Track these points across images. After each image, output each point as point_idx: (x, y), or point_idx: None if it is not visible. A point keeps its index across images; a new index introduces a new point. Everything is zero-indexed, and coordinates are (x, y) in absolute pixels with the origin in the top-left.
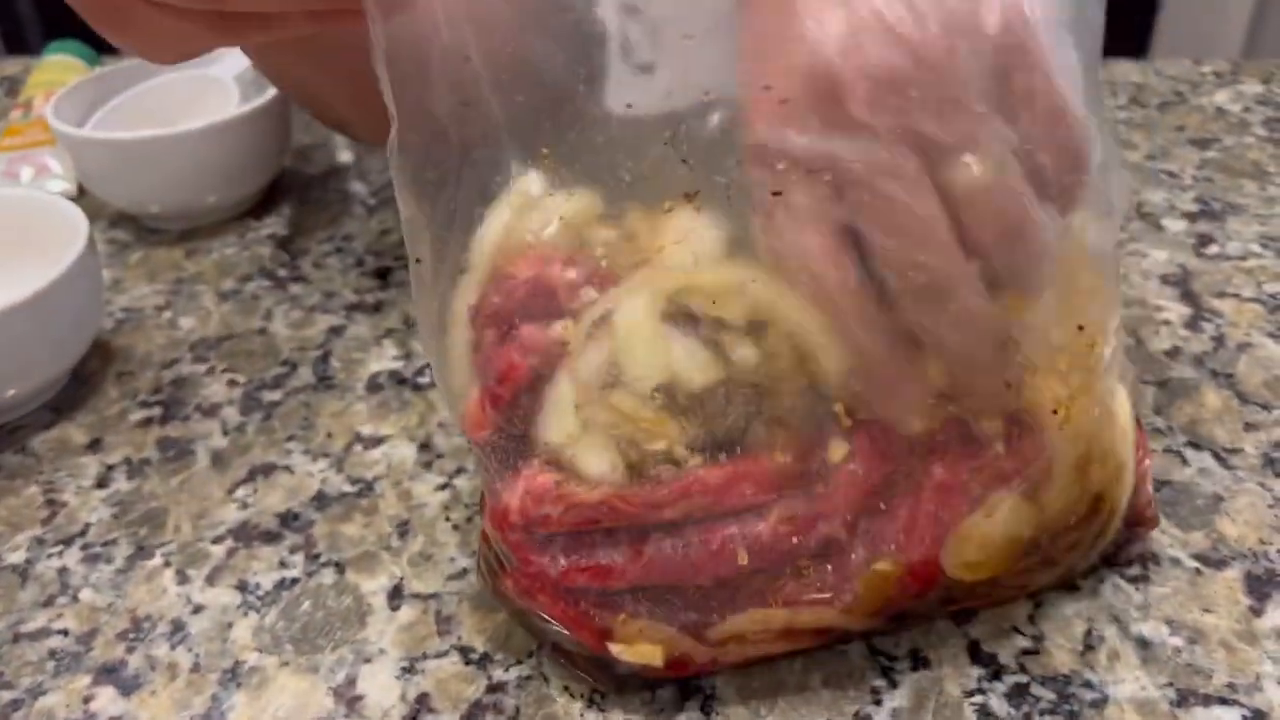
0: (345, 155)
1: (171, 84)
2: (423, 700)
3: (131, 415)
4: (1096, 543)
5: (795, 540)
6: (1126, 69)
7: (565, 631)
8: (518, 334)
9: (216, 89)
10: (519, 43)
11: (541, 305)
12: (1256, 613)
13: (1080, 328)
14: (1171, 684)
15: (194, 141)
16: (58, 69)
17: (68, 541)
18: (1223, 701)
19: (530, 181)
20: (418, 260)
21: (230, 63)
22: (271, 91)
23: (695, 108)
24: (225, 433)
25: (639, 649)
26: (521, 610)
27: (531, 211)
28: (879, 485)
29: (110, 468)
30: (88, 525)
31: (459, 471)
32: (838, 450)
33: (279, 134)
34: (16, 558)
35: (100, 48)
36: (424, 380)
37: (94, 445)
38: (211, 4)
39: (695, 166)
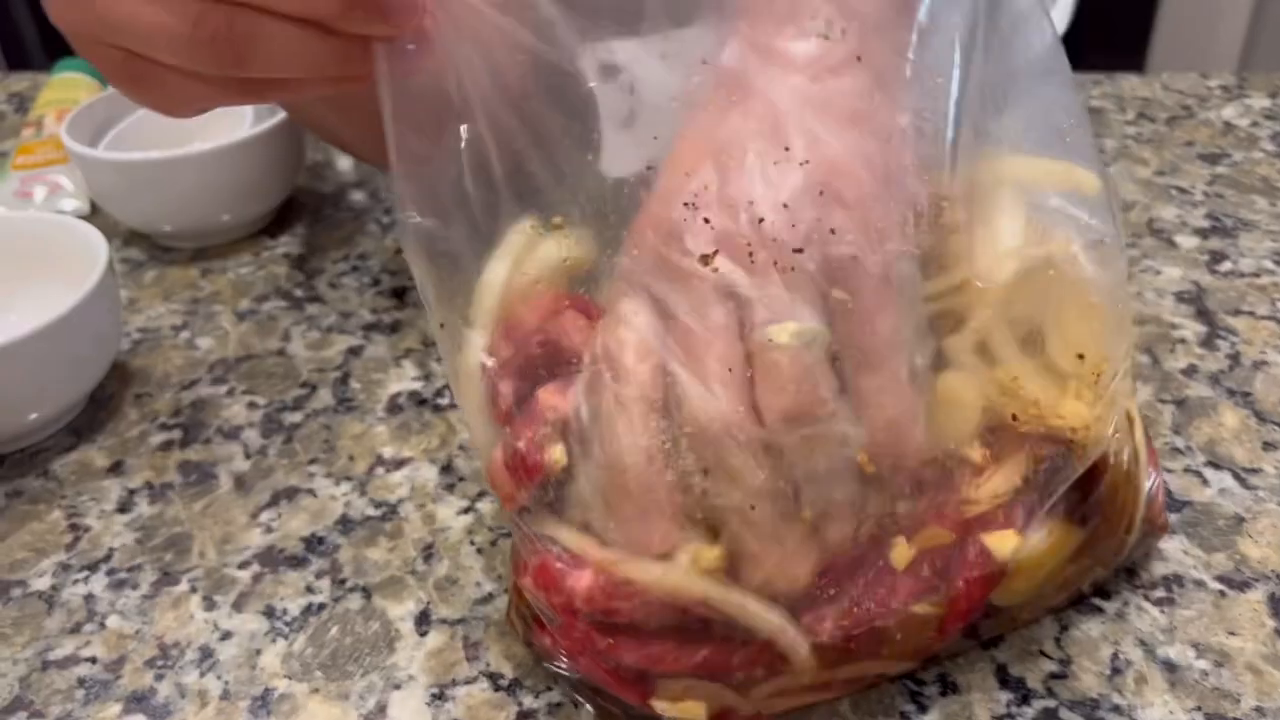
0: (345, 163)
1: None
2: None
3: (152, 438)
4: (1114, 557)
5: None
6: (1134, 84)
7: (604, 688)
8: (537, 401)
9: (228, 109)
10: (522, 105)
11: (558, 360)
12: None
13: (1080, 356)
14: (1199, 708)
15: (209, 161)
16: (67, 87)
17: (93, 567)
18: None
19: (526, 226)
20: (441, 325)
21: None
22: (284, 112)
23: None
24: (247, 456)
25: (683, 706)
26: (556, 662)
27: (531, 255)
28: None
29: (132, 492)
30: (112, 550)
31: (481, 495)
32: (899, 550)
33: (292, 153)
34: (42, 584)
35: None
36: (443, 401)
37: (115, 468)
38: (233, 71)
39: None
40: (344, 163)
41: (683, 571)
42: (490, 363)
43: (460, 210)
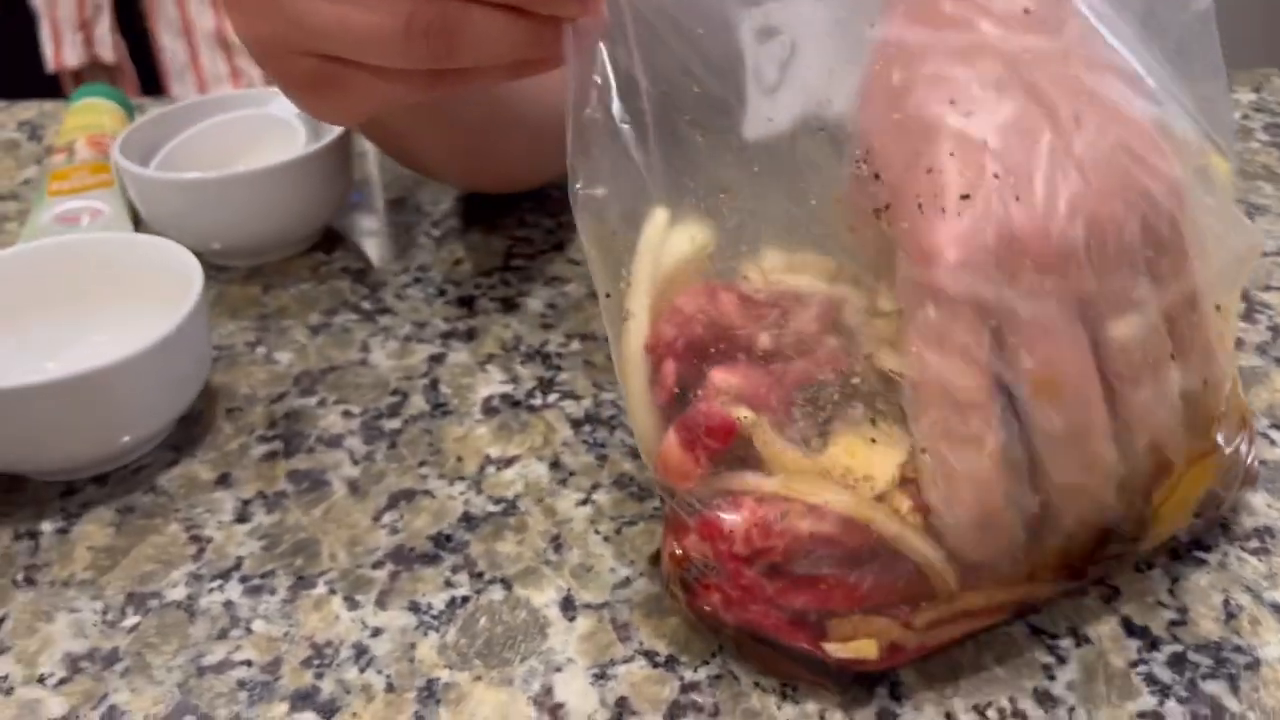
0: (387, 178)
1: (231, 123)
2: (623, 704)
3: (253, 450)
4: (1233, 482)
5: None
6: None
7: (775, 638)
8: (710, 381)
9: (274, 127)
10: (680, 79)
11: (723, 344)
12: None
13: (1205, 381)
14: None
15: (266, 180)
16: (93, 112)
17: (224, 576)
18: None
19: (661, 215)
20: (606, 295)
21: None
22: (334, 131)
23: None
24: (354, 462)
25: (854, 645)
26: (725, 623)
27: (666, 249)
28: None
29: (246, 502)
30: (240, 559)
31: (595, 487)
32: None
33: (344, 171)
34: (177, 594)
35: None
36: (536, 402)
37: (223, 480)
38: (443, 63)
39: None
40: (385, 178)
41: (858, 498)
42: (649, 341)
43: (618, 180)
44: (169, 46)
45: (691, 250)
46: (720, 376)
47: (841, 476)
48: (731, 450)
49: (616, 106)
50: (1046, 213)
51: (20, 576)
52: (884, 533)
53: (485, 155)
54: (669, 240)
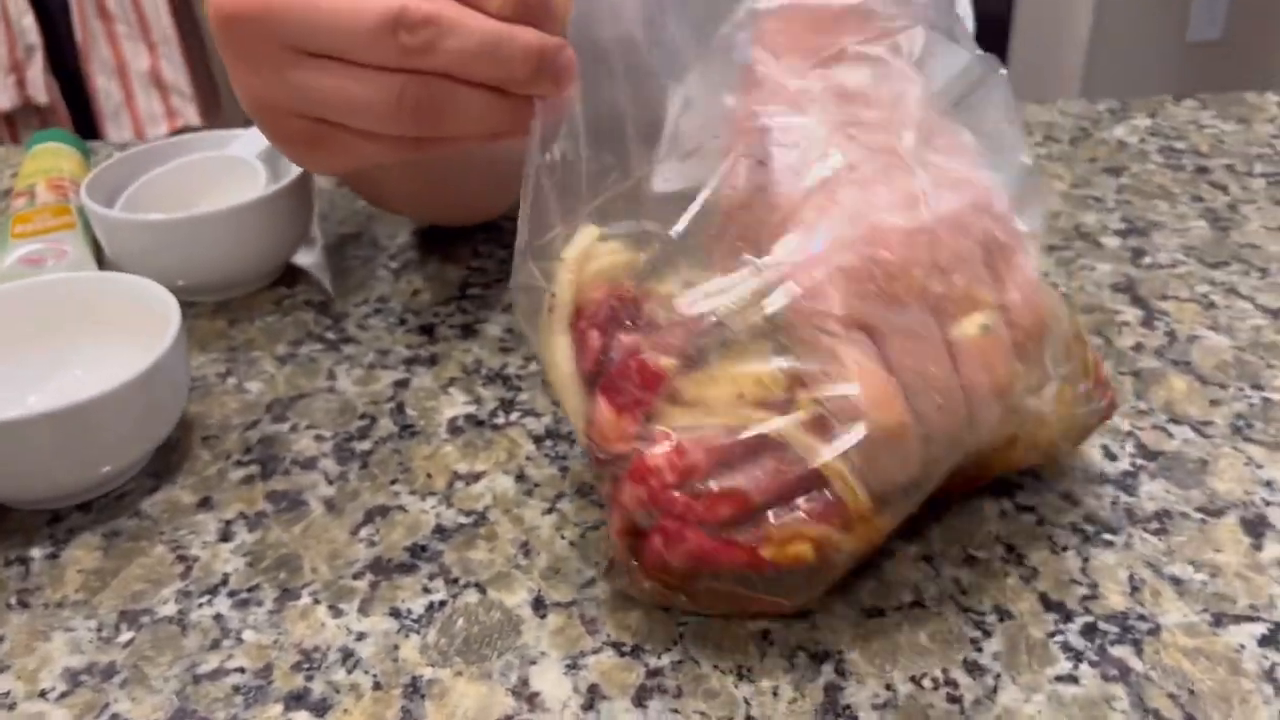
0: (341, 215)
1: (194, 165)
2: (594, 690)
3: (231, 474)
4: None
5: None
6: (1035, 110)
7: (716, 573)
8: (622, 344)
9: (235, 168)
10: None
11: (633, 319)
12: (1257, 549)
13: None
14: (1206, 610)
15: (231, 220)
16: (51, 156)
17: (212, 591)
18: (1249, 619)
19: (592, 229)
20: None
21: (249, 142)
22: (294, 171)
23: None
24: (329, 482)
25: (790, 550)
26: (667, 577)
27: (598, 251)
28: None
29: (228, 523)
30: (227, 575)
31: (559, 497)
32: None
33: (304, 210)
34: (168, 610)
35: (85, 135)
36: (500, 420)
37: (204, 504)
38: (428, 134)
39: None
40: (341, 214)
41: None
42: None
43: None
44: (103, 87)
45: (613, 262)
46: (629, 339)
47: (745, 392)
48: (655, 404)
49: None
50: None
51: (14, 600)
52: (791, 441)
53: (447, 192)
54: (596, 249)
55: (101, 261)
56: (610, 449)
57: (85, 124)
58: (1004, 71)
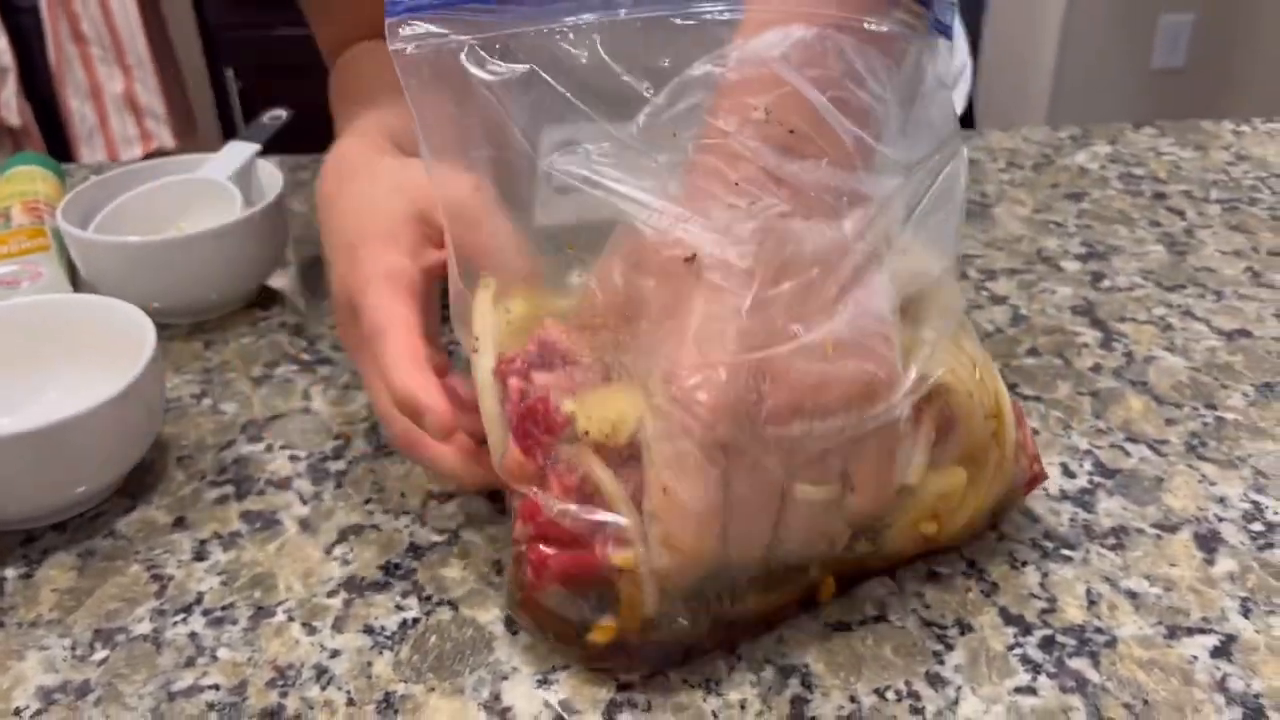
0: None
1: (169, 187)
2: (565, 705)
3: (206, 494)
4: (1007, 494)
5: None
6: (999, 137)
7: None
8: (534, 382)
9: (209, 190)
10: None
11: (548, 358)
12: (1209, 563)
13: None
14: (1160, 623)
15: (206, 243)
16: (27, 179)
17: (187, 609)
18: (1202, 632)
19: (491, 282)
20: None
21: (221, 165)
22: (270, 194)
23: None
24: (304, 501)
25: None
26: (549, 571)
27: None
28: None
29: (203, 542)
30: (201, 594)
31: None
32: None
33: (279, 233)
34: (143, 628)
35: (58, 158)
36: None
37: (179, 523)
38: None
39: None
40: (317, 236)
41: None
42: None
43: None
44: (77, 110)
45: (532, 310)
46: (541, 377)
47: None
48: (557, 446)
49: None
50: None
51: None
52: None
53: None
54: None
55: (76, 284)
56: (520, 488)
57: (58, 147)
58: (964, 151)
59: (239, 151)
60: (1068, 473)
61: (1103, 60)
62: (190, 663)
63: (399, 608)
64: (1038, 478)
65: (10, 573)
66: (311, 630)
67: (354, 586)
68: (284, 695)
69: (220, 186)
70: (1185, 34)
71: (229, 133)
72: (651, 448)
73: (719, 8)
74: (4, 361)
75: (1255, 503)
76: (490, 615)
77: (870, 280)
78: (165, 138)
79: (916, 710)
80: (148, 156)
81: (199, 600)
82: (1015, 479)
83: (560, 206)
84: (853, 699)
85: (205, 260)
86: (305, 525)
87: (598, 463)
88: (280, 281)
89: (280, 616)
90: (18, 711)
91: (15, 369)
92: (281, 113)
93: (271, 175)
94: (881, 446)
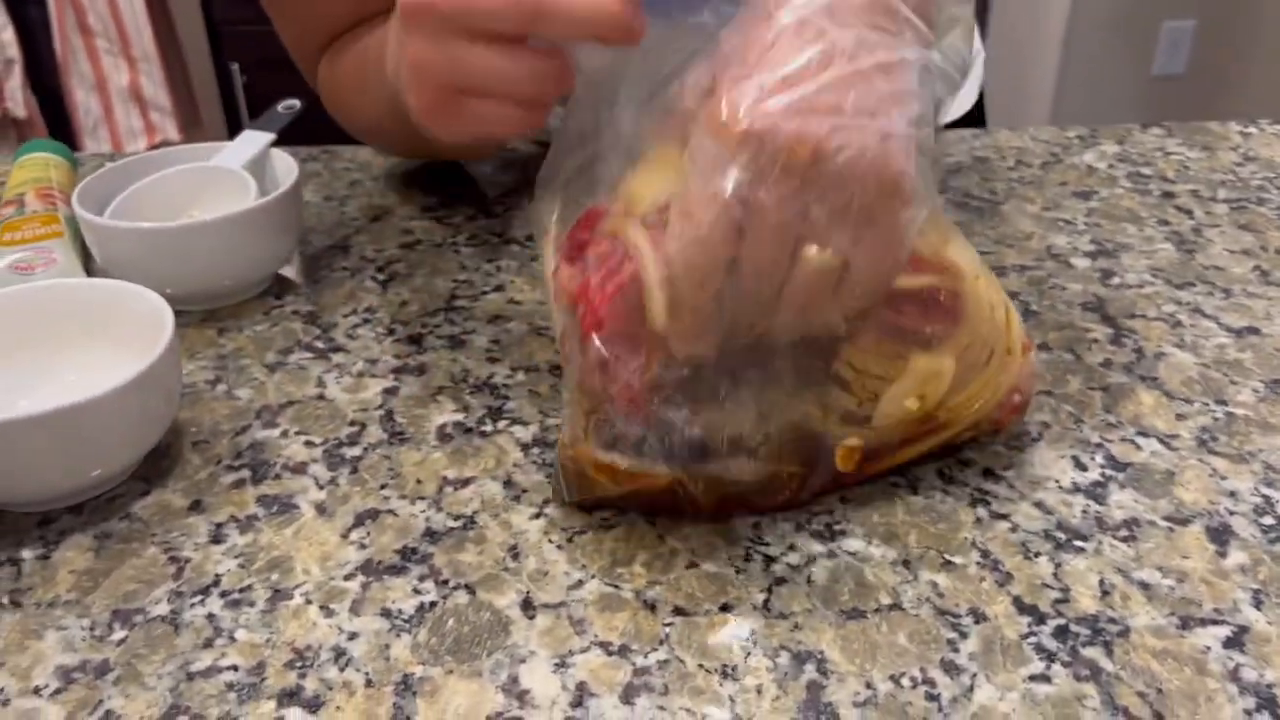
0: (329, 223)
1: (182, 175)
2: (582, 688)
3: (222, 479)
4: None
5: None
6: (1007, 136)
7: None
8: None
9: (224, 179)
10: None
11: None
12: (1221, 555)
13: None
14: (1173, 614)
15: (221, 229)
16: (40, 166)
17: (205, 591)
18: (1214, 623)
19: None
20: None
21: (234, 154)
22: (285, 183)
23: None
24: (320, 487)
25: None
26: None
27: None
28: None
29: (219, 525)
30: (219, 576)
31: (546, 502)
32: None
33: (294, 221)
34: (161, 609)
35: (72, 147)
36: (487, 428)
37: (195, 507)
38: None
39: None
40: (328, 225)
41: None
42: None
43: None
44: (82, 102)
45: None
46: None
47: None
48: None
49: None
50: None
51: (5, 600)
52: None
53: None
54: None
55: (89, 270)
56: (571, 300)
57: (63, 138)
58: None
59: (253, 140)
60: (1079, 465)
61: (1104, 66)
62: (208, 644)
63: (416, 591)
64: (1030, 378)
65: (28, 554)
66: (329, 613)
67: (371, 570)
68: (302, 676)
69: (234, 175)
70: (1186, 40)
71: (233, 126)
72: (688, 176)
73: None
74: (23, 344)
75: (1266, 497)
76: (507, 599)
77: (907, 100)
78: (170, 130)
79: (932, 697)
80: (152, 148)
81: (216, 582)
82: (1019, 375)
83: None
84: (868, 685)
85: (220, 247)
86: (322, 510)
87: (629, 222)
88: (292, 270)
89: (298, 599)
90: (37, 690)
91: (34, 352)
92: (295, 102)
93: (285, 164)
94: (888, 240)
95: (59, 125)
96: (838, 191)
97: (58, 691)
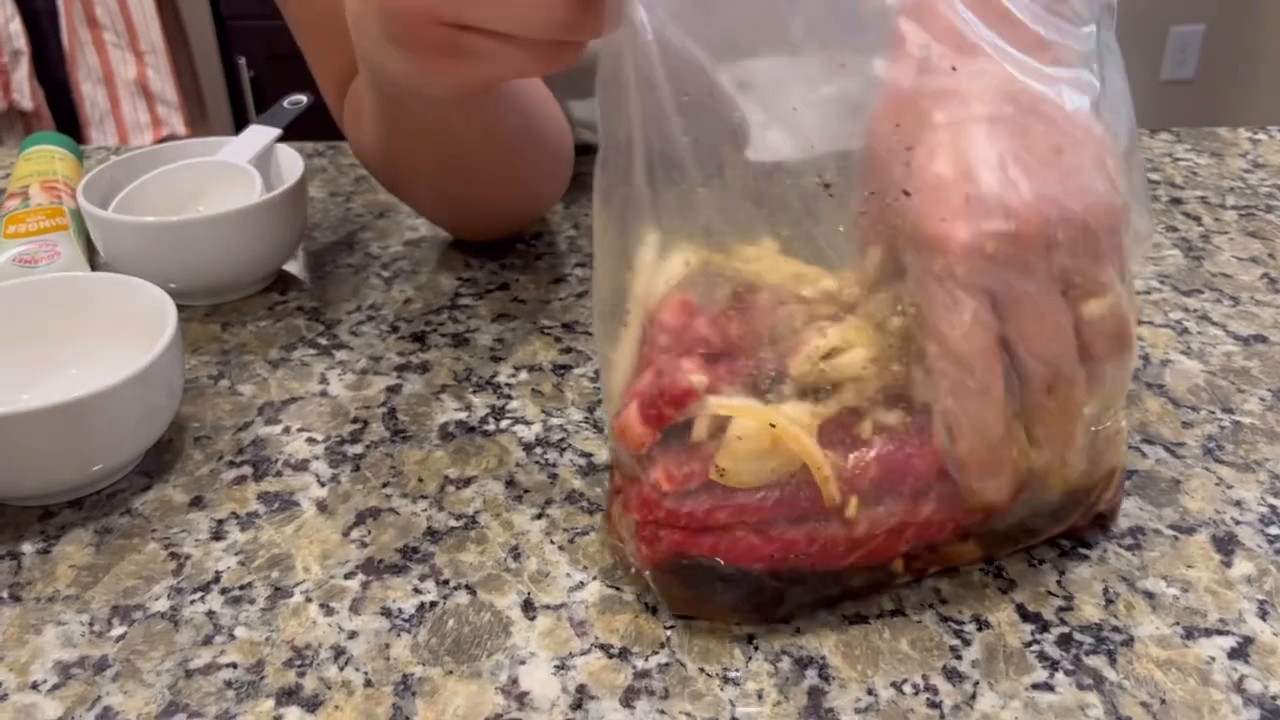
0: (335, 218)
1: (188, 169)
2: (582, 690)
3: (223, 474)
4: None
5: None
6: None
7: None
8: (679, 363)
9: (230, 173)
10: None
11: (694, 344)
12: (1227, 565)
13: None
14: (1178, 623)
15: (226, 224)
16: (45, 159)
17: (205, 588)
18: (1219, 633)
19: (653, 237)
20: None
21: (242, 148)
22: (291, 177)
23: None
24: (321, 484)
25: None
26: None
27: (665, 266)
28: None
29: (220, 522)
30: (219, 573)
31: (548, 503)
32: None
33: (299, 217)
34: (160, 605)
35: (78, 139)
36: (490, 428)
37: (196, 503)
38: (562, 34)
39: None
40: (332, 221)
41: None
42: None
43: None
44: (89, 94)
45: (684, 271)
46: (686, 362)
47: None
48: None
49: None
50: (1031, 204)
51: (4, 594)
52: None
53: (473, 195)
54: (663, 263)
55: (94, 263)
56: (629, 450)
57: (69, 131)
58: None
59: (259, 135)
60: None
61: None
62: (208, 641)
63: (417, 591)
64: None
65: (28, 547)
66: (329, 611)
67: (372, 569)
68: (301, 675)
69: (240, 170)
70: (1196, 45)
71: (240, 121)
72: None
73: None
74: (25, 336)
75: (1272, 506)
76: (507, 600)
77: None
78: (176, 124)
79: (934, 704)
80: (158, 142)
81: (216, 579)
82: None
83: (771, 142)
84: (870, 691)
85: (225, 242)
86: (323, 507)
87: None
88: (296, 266)
89: (298, 597)
90: (35, 685)
91: (36, 344)
92: (302, 98)
93: (291, 160)
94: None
95: (65, 118)
96: (1072, 242)
97: (56, 687)
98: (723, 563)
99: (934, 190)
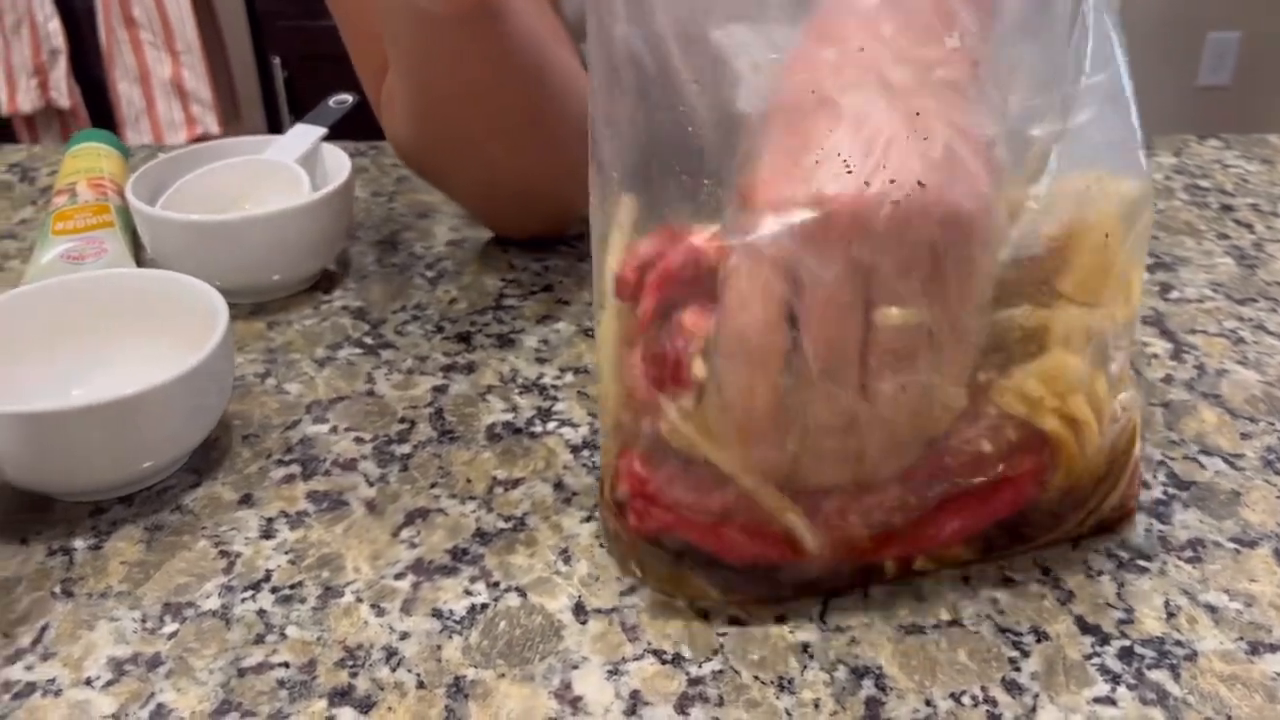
0: (377, 218)
1: (234, 167)
2: (636, 696)
3: (272, 473)
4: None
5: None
6: None
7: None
8: (680, 322)
9: (276, 172)
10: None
11: (698, 280)
12: None
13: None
14: (1242, 638)
15: (273, 223)
16: (92, 156)
17: (255, 587)
18: None
19: (630, 200)
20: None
21: (288, 147)
22: (338, 177)
23: None
24: (370, 484)
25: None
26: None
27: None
28: None
29: (270, 520)
30: (269, 571)
31: (597, 506)
32: None
33: (344, 216)
34: (212, 604)
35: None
36: (537, 429)
37: (245, 500)
38: None
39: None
40: (376, 221)
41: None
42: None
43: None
44: (125, 93)
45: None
46: (689, 319)
47: None
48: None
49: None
50: (854, 195)
51: (58, 589)
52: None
53: (514, 185)
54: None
55: (139, 260)
56: (631, 408)
57: (105, 129)
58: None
59: (305, 134)
60: (1142, 484)
61: (1149, 76)
62: (259, 640)
63: (467, 593)
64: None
65: (79, 543)
66: (380, 612)
67: (422, 570)
68: (354, 675)
69: (286, 168)
70: (1232, 51)
71: (274, 120)
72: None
73: None
74: (76, 332)
75: None
76: (559, 604)
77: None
78: (210, 123)
79: (994, 717)
80: (192, 141)
81: (267, 578)
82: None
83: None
84: (928, 703)
85: (273, 241)
86: (372, 507)
87: None
88: (341, 265)
89: (349, 597)
90: (89, 681)
91: (85, 341)
92: (347, 97)
93: (337, 159)
94: (962, 287)
95: (101, 116)
96: (899, 244)
97: (109, 684)
98: (710, 550)
99: (773, 154)
